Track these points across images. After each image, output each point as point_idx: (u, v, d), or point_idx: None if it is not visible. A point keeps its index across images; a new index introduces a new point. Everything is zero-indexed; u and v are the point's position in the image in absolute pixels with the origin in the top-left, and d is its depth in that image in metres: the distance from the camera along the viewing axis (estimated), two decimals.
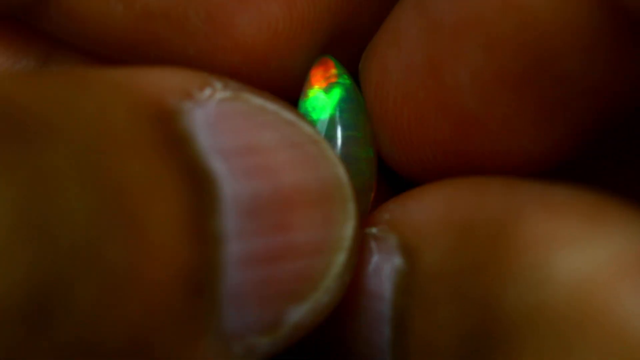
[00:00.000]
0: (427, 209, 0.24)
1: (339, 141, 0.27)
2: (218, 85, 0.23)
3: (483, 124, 0.25)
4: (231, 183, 0.22)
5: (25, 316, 0.19)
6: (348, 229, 0.23)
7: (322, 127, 0.27)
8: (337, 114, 0.27)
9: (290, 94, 0.28)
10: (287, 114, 0.24)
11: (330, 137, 0.27)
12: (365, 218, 0.26)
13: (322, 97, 0.28)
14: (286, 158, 0.23)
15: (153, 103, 0.22)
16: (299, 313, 0.23)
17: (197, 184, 0.22)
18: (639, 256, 0.20)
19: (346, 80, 0.28)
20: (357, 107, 0.28)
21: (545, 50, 0.23)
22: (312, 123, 0.26)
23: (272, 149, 0.23)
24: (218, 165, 0.22)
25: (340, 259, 0.23)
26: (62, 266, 0.19)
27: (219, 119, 0.23)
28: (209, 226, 0.21)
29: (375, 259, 0.24)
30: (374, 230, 0.25)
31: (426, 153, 0.26)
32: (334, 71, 0.28)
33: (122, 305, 0.20)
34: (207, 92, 0.23)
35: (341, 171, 0.24)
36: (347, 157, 0.27)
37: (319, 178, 0.23)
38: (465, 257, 0.22)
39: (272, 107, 0.24)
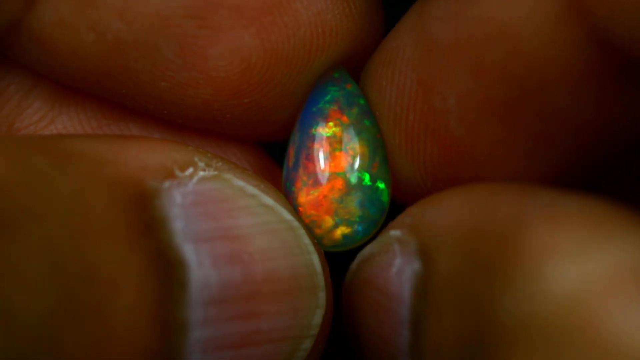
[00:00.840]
0: (443, 214, 0.24)
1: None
2: (200, 163, 0.24)
3: (469, 151, 0.25)
4: (201, 270, 0.22)
5: None
6: (316, 317, 0.24)
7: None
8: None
9: (264, 127, 0.28)
10: (266, 199, 0.24)
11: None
12: None
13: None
14: (260, 246, 0.23)
15: (133, 184, 0.22)
16: None
17: (166, 270, 0.22)
18: (634, 270, 0.20)
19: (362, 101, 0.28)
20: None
21: (533, 83, 0.23)
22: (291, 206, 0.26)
23: (247, 236, 0.23)
24: (189, 252, 0.22)
25: (305, 345, 0.24)
26: (19, 356, 0.19)
27: (197, 200, 0.23)
28: (175, 314, 0.22)
29: (398, 261, 0.25)
30: (398, 233, 0.25)
31: (416, 179, 0.27)
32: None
33: None
34: (189, 171, 0.23)
35: (315, 259, 0.24)
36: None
37: (291, 267, 0.24)
38: (473, 265, 0.22)
39: (252, 190, 0.24)
